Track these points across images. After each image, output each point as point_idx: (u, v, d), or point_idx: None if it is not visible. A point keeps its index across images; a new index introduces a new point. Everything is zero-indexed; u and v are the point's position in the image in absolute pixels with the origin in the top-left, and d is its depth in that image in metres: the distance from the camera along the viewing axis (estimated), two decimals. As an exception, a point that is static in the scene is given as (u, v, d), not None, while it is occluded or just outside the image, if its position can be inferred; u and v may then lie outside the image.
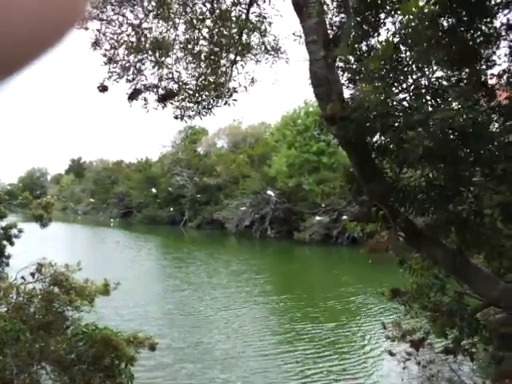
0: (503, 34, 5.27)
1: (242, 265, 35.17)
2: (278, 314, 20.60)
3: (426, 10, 4.60)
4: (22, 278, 7.77)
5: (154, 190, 74.06)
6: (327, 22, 6.25)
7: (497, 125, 5.49)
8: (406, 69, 5.23)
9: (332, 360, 14.98)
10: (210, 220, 63.71)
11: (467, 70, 5.22)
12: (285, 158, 53.64)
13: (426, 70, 5.14)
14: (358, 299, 23.17)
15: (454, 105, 5.04)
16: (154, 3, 7.20)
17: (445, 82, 5.23)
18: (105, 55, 7.24)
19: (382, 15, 5.67)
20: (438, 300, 9.45)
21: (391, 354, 12.94)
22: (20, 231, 13.21)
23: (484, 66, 5.37)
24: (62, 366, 7.32)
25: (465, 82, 5.10)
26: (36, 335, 7.25)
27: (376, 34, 5.74)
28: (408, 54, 5.12)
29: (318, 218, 47.28)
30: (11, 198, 15.31)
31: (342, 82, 6.31)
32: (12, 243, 13.16)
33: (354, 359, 15.09)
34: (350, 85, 6.30)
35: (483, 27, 5.20)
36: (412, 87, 5.31)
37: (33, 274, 7.74)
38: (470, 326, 7.57)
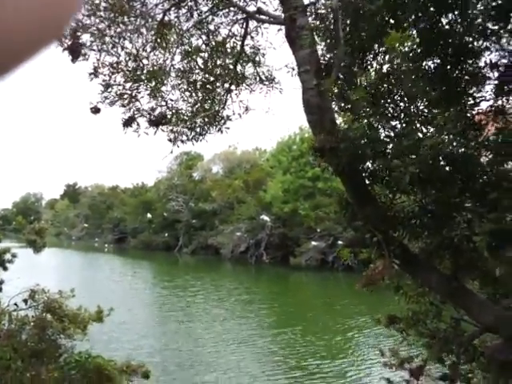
0: (488, 72, 5.42)
1: (238, 293, 34.77)
2: (277, 347, 19.99)
3: (410, 52, 4.77)
4: (15, 304, 7.69)
5: (149, 215, 73.88)
6: (319, 53, 6.42)
7: (486, 158, 5.60)
8: (394, 97, 5.37)
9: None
10: (204, 245, 63.45)
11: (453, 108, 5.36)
12: (280, 184, 53.92)
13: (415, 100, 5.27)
14: (356, 326, 22.97)
15: (444, 134, 5.14)
16: (152, 34, 7.38)
17: (435, 110, 5.35)
18: (103, 82, 7.36)
19: (370, 56, 5.90)
20: (434, 327, 9.40)
21: (389, 381, 12.78)
22: (13, 256, 13.06)
23: (471, 102, 5.49)
24: (53, 396, 7.20)
25: (451, 119, 5.21)
26: (27, 363, 7.14)
27: (365, 69, 5.93)
28: (396, 84, 5.27)
29: (313, 243, 47.21)
30: (5, 223, 15.25)
31: (335, 109, 6.45)
32: (5, 268, 12.98)
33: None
34: (343, 112, 6.45)
35: (468, 67, 5.37)
36: (402, 114, 5.44)
37: (25, 301, 7.67)
38: (467, 352, 7.53)
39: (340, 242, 44.67)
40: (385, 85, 5.42)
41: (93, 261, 61.72)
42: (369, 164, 5.93)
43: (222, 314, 26.68)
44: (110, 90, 7.37)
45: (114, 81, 7.41)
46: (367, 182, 6.28)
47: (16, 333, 7.52)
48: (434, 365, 11.31)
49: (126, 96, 7.45)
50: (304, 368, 16.82)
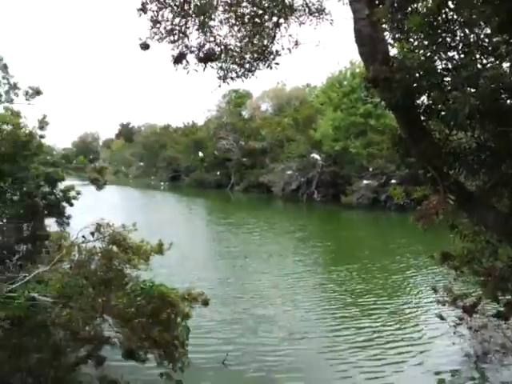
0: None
1: (291, 230, 35.14)
2: (333, 284, 20.08)
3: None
4: (83, 237, 8.32)
5: (200, 154, 75.11)
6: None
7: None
8: (452, 26, 5.06)
9: (383, 325, 15.09)
10: (256, 183, 64.21)
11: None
12: (330, 121, 52.74)
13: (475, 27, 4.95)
14: (412, 265, 22.87)
15: (505, 66, 4.84)
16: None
17: (496, 39, 5.01)
18: (151, 18, 7.33)
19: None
20: (489, 265, 9.33)
21: (442, 318, 12.97)
22: (78, 193, 13.93)
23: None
24: (122, 319, 7.91)
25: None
26: (98, 290, 7.82)
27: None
28: (455, 11, 4.94)
29: (365, 181, 46.58)
30: (66, 162, 16.07)
31: (389, 40, 6.16)
32: (71, 204, 13.90)
33: (405, 324, 15.14)
34: (397, 43, 6.15)
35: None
36: (460, 44, 5.14)
37: (92, 234, 8.27)
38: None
39: (393, 181, 43.73)
40: (443, 12, 5.09)
41: (150, 198, 64.29)
42: (424, 97, 5.72)
43: (277, 250, 27.11)
44: (158, 26, 7.36)
45: (162, 16, 7.36)
46: (422, 117, 6.09)
47: (86, 263, 8.17)
48: (488, 303, 11.34)
49: (174, 32, 7.42)
50: (359, 305, 17.00)
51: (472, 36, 5.08)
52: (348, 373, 11.56)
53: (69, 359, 8.51)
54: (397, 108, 5.92)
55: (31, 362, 7.82)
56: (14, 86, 14.03)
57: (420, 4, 5.49)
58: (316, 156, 52.27)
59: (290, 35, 7.68)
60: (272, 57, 7.80)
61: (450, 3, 4.98)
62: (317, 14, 7.65)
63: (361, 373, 11.49)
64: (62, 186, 13.96)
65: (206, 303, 8.41)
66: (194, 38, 7.60)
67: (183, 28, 7.52)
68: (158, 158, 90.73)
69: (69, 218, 13.78)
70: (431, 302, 15.84)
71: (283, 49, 7.71)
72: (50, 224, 13.36)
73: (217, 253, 27.27)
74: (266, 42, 7.88)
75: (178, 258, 23.05)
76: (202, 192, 68.15)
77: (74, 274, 7.92)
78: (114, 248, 8.04)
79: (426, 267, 21.60)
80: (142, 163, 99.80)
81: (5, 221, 11.70)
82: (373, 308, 16.58)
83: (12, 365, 7.74)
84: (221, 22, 7.85)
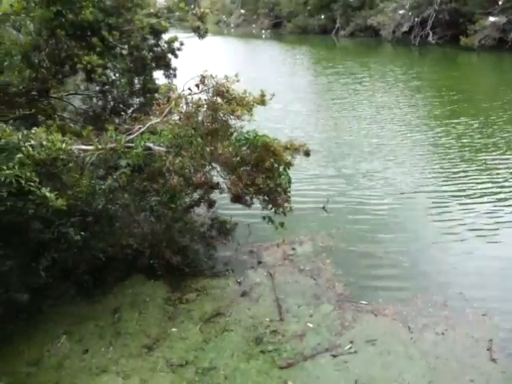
0: None
1: (405, 79, 32.69)
2: (450, 137, 18.46)
3: None
4: (189, 89, 8.45)
5: (303, -3, 69.80)
6: None
7: None
8: None
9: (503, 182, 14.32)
10: (363, 27, 59.24)
11: None
12: None
13: None
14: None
15: None
16: None
17: None
18: None
19: None
20: None
21: None
22: (182, 44, 13.85)
23: None
24: (229, 166, 8.33)
25: None
26: (206, 140, 8.17)
27: None
28: None
29: (491, 18, 40.42)
30: (169, 12, 15.78)
31: None
32: (176, 56, 13.95)
33: None
34: None
35: None
36: None
37: (197, 86, 8.36)
38: None
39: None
40: None
41: (253, 47, 62.82)
42: None
43: (389, 101, 25.47)
44: None
45: None
46: None
47: (193, 114, 8.44)
48: None
49: None
50: (478, 161, 15.69)
51: None
52: (454, 229, 11.25)
53: (184, 201, 9.41)
54: None
55: (152, 204, 8.78)
56: None
57: None
58: (435, -10, 45.82)
59: None
60: None
61: None
62: None
63: (469, 230, 11.19)
64: (166, 37, 13.92)
65: (307, 154, 8.48)
66: None
67: None
68: (258, 4, 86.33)
69: (175, 70, 13.97)
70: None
71: None
72: (158, 77, 13.74)
73: (323, 106, 26.20)
74: None
75: (281, 111, 23.06)
76: (305, 39, 64.75)
77: (184, 125, 8.26)
78: (219, 100, 8.12)
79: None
80: (242, 11, 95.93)
81: (117, 75, 12.20)
82: (490, 167, 15.18)
83: (136, 206, 8.77)
84: None
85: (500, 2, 40.09)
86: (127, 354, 7.53)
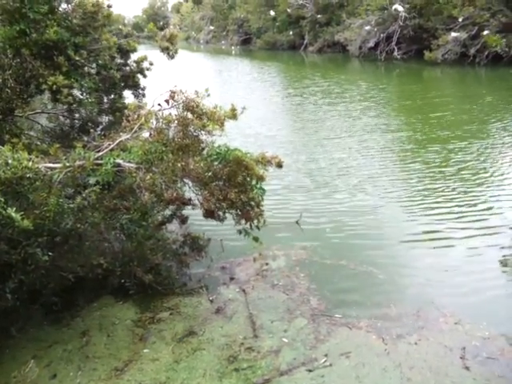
0: None
1: (365, 87, 33.71)
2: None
3: None
4: (159, 104, 8.40)
5: (272, 13, 71.00)
6: None
7: None
8: None
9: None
10: (331, 43, 60.51)
11: None
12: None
13: None
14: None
15: None
16: None
17: None
18: None
19: None
20: None
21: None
22: (151, 64, 13.85)
23: None
24: (201, 182, 8.27)
25: None
26: (177, 156, 8.10)
27: None
28: None
29: (453, 34, 41.89)
30: (138, 30, 15.75)
31: None
32: (145, 76, 13.94)
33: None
34: None
35: None
36: None
37: (167, 101, 8.31)
38: None
39: (486, 32, 39.65)
40: None
41: (222, 63, 63.26)
42: None
43: (359, 109, 26.49)
44: None
45: None
46: None
47: (164, 130, 8.36)
48: None
49: None
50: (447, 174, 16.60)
51: None
52: (427, 241, 11.43)
53: (156, 218, 9.28)
54: None
55: (123, 222, 8.62)
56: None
57: None
58: (399, 7, 47.25)
59: None
60: None
61: None
62: None
63: (439, 239, 11.48)
64: (134, 56, 13.87)
65: (279, 165, 8.49)
66: None
67: None
68: (228, 21, 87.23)
69: (144, 89, 13.94)
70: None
71: None
72: (127, 96, 13.67)
73: (293, 120, 26.78)
74: None
75: (251, 122, 23.29)
76: (274, 55, 65.68)
77: (154, 141, 8.17)
78: (189, 115, 8.09)
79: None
80: (212, 27, 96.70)
81: (85, 94, 12.06)
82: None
83: (106, 224, 8.59)
84: None
85: (460, 19, 41.63)
86: (96, 377, 7.29)
